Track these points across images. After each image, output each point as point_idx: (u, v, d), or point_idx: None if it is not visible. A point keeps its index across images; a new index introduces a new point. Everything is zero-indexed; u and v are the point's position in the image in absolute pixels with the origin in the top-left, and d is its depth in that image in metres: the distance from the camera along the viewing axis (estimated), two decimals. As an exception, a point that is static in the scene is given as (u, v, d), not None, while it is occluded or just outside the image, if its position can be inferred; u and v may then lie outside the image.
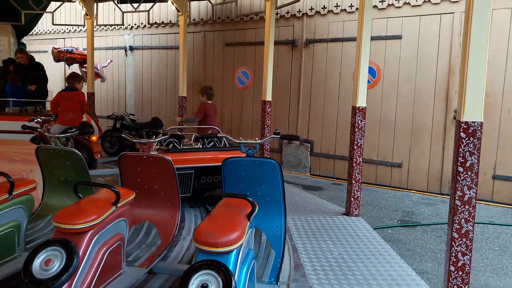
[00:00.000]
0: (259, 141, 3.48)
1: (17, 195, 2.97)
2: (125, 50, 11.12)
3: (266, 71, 6.64)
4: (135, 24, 10.90)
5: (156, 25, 10.53)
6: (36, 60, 9.18)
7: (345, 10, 7.79)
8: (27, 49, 13.83)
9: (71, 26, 11.96)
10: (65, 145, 4.49)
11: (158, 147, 4.86)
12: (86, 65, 10.32)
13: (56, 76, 12.21)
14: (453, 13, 6.75)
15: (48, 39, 13.30)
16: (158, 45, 10.56)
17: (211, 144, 5.17)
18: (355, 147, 5.09)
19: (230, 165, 3.32)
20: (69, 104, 6.27)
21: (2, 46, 10.43)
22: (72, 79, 6.38)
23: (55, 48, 10.61)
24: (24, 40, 11.81)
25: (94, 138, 6.12)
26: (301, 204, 5.77)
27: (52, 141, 4.52)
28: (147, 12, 9.31)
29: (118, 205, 2.64)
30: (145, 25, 10.70)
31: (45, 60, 11.07)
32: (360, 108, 5.02)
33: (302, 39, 8.29)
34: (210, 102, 6.60)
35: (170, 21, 10.28)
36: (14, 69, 8.69)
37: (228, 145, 5.18)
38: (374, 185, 7.61)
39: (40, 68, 8.88)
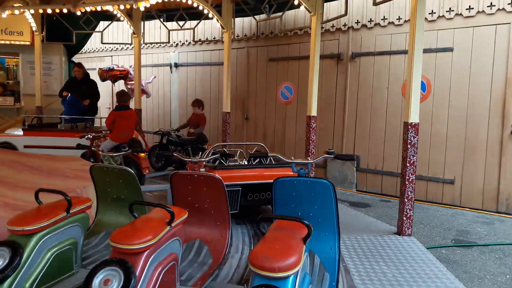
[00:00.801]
0: (312, 161, 3.40)
1: (74, 213, 3.03)
2: (170, 67, 11.39)
3: (311, 85, 6.57)
4: (180, 42, 11.17)
5: (201, 42, 10.73)
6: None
7: (392, 22, 7.62)
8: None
9: (119, 44, 12.40)
10: (116, 162, 4.60)
11: (205, 163, 4.87)
12: (130, 81, 10.65)
13: (103, 93, 12.68)
14: (509, 23, 6.45)
15: (96, 57, 13.86)
16: (202, 62, 10.74)
17: (256, 160, 5.14)
18: (408, 164, 4.89)
19: (281, 185, 3.25)
20: (125, 123, 6.44)
21: (55, 65, 10.94)
22: (125, 97, 6.56)
23: (100, 69, 11.04)
24: (74, 58, 12.37)
25: (142, 154, 6.24)
26: (350, 222, 5.60)
27: (105, 160, 4.64)
28: (192, 30, 9.51)
29: (172, 224, 2.63)
30: (190, 42, 10.93)
31: (93, 77, 11.52)
32: (413, 124, 4.85)
33: (347, 52, 8.17)
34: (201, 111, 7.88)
35: (215, 37, 10.45)
36: (70, 82, 9.13)
37: (273, 162, 5.14)
38: (425, 202, 7.30)
39: (93, 84, 9.25)
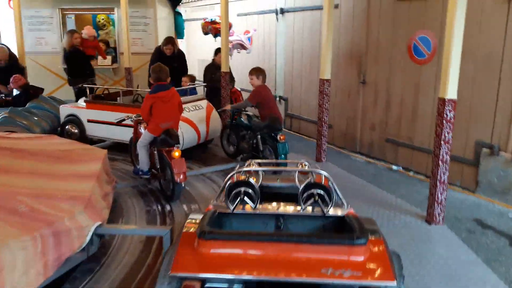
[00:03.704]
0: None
1: None
2: (276, 14, 9.15)
3: (450, 33, 3.86)
4: (287, -20, 8.77)
5: (310, -21, 8.18)
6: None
7: None
8: (184, 17, 13.22)
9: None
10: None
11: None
12: (231, 37, 8.89)
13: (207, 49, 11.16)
14: None
15: (207, 4, 12.35)
16: (311, 5, 8.22)
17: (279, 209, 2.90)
18: None
19: None
20: (166, 108, 4.73)
21: (149, 19, 9.65)
22: (162, 73, 4.78)
23: (204, 19, 9.44)
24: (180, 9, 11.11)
25: (177, 153, 4.44)
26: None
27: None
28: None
29: None
30: (297, -20, 8.48)
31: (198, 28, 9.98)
32: None
33: (528, -20, 4.86)
34: (262, 83, 5.60)
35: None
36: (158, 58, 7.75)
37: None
38: None
39: (184, 60, 7.99)
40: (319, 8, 7.92)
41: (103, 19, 11.09)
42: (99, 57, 9.28)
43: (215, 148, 6.84)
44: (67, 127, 6.94)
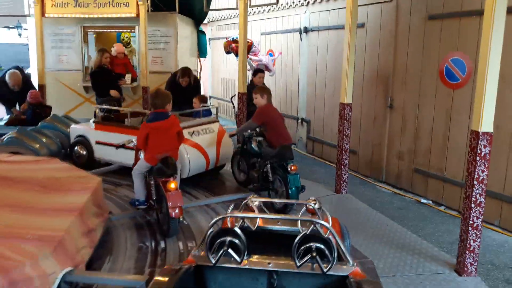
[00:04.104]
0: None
1: None
2: (300, 33, 8.75)
3: (486, 55, 3.30)
4: (312, -1, 8.37)
5: (335, -4, 7.74)
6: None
7: None
8: (209, 36, 13.04)
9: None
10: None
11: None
12: (254, 56, 8.57)
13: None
14: None
15: (224, 24, 12.15)
16: (335, 24, 7.76)
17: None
18: None
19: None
20: (163, 139, 4.36)
21: (169, 37, 9.43)
22: (161, 99, 4.41)
23: (226, 39, 9.16)
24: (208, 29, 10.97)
25: (173, 184, 4.03)
26: None
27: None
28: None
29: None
30: (323, -2, 8.05)
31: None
32: None
33: None
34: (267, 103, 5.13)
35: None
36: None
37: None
38: None
39: (198, 87, 7.64)
40: (343, 27, 7.46)
41: (127, 37, 11.03)
42: (127, 76, 8.96)
43: (227, 174, 6.39)
44: (76, 148, 6.70)
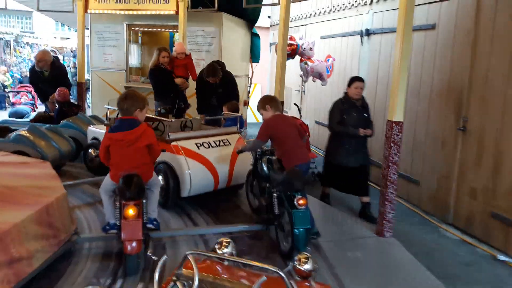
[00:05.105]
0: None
1: None
2: (361, 36, 7.45)
3: None
4: (377, -3, 7.05)
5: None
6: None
7: None
8: (269, 41, 12.15)
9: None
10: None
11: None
12: (307, 59, 7.54)
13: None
14: None
15: (294, 26, 11.07)
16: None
17: None
18: None
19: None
20: (126, 152, 3.45)
21: (213, 38, 8.57)
22: (129, 103, 3.48)
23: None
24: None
25: (131, 210, 3.03)
26: None
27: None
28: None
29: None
30: (388, -5, 6.71)
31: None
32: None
33: None
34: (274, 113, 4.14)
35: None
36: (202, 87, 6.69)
37: None
38: None
39: (230, 83, 6.64)
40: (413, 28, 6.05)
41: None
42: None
43: (243, 196, 5.22)
44: (89, 150, 6.12)
